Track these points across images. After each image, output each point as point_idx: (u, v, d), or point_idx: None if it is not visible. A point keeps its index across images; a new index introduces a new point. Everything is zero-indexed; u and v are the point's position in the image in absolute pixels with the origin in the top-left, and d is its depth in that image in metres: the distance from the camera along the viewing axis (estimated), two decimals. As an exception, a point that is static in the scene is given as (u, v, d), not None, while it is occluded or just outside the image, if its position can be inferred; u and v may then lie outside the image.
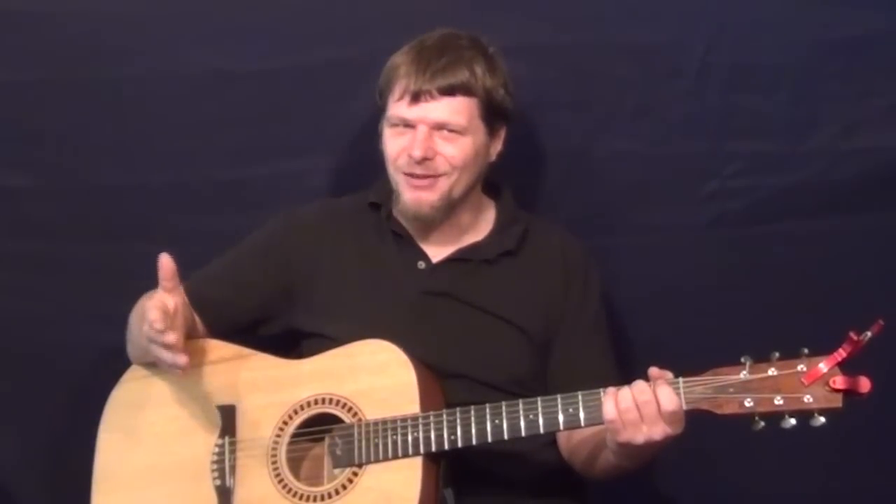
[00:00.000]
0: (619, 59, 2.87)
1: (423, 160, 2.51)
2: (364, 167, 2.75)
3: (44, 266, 3.00)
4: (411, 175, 2.54)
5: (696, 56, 2.84)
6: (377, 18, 2.84)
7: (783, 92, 2.83)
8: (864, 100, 2.83)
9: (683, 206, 2.89)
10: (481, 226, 2.67)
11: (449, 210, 2.58)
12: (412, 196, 2.55)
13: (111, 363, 2.67)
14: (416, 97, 2.51)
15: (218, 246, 2.74)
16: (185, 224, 2.96)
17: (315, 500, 2.41)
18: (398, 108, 2.54)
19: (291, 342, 2.65)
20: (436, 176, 2.54)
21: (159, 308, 2.37)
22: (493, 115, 2.58)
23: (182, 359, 2.39)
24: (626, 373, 2.55)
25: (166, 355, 2.39)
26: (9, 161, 2.98)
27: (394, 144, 2.56)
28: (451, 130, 2.53)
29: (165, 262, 2.44)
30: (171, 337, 2.36)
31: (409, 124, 2.53)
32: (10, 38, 2.93)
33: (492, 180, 2.68)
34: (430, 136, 2.52)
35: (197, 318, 2.63)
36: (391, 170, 2.58)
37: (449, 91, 2.52)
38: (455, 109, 2.53)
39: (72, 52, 2.93)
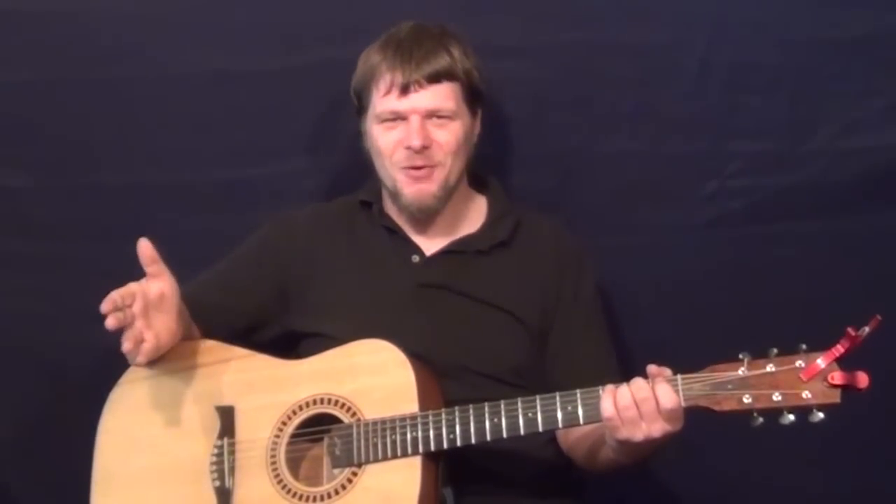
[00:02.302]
0: (619, 59, 2.87)
1: (423, 149, 2.53)
2: (363, 167, 2.75)
3: (44, 266, 3.00)
4: (409, 168, 2.56)
5: (696, 56, 2.84)
6: (376, 18, 2.83)
7: (783, 92, 2.84)
8: (864, 100, 2.83)
9: (683, 206, 2.90)
10: (473, 218, 2.68)
11: (447, 198, 2.60)
12: (413, 189, 2.57)
13: (111, 363, 2.64)
14: (405, 89, 2.54)
15: (218, 246, 2.75)
16: (185, 224, 2.96)
17: (315, 500, 2.40)
18: (387, 102, 2.56)
19: (289, 343, 2.65)
20: (432, 166, 2.56)
21: (125, 289, 2.37)
22: (473, 96, 2.61)
23: (126, 345, 2.38)
24: (626, 372, 2.55)
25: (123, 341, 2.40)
26: (9, 161, 2.98)
27: (386, 139, 2.57)
28: (441, 117, 2.56)
29: (144, 247, 2.42)
30: (111, 321, 2.33)
31: (400, 116, 2.55)
32: (10, 38, 2.94)
33: (478, 173, 2.69)
34: (424, 125, 2.54)
35: (193, 325, 2.62)
36: (386, 165, 2.59)
37: (435, 78, 2.54)
38: (443, 95, 2.55)
39: (72, 52, 2.94)
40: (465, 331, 2.56)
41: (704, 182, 2.88)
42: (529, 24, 2.86)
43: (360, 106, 2.64)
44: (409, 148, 2.54)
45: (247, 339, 2.64)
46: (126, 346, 2.39)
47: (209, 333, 2.63)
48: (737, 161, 2.87)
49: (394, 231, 2.65)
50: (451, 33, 2.61)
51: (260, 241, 2.72)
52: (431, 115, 2.55)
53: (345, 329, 2.52)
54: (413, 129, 2.54)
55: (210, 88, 2.94)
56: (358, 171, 2.79)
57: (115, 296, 2.34)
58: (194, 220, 2.97)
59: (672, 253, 2.90)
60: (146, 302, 2.39)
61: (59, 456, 2.99)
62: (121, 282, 2.56)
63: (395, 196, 2.60)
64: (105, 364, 2.68)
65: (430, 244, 2.63)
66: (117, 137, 2.97)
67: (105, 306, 2.32)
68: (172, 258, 2.51)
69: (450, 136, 2.56)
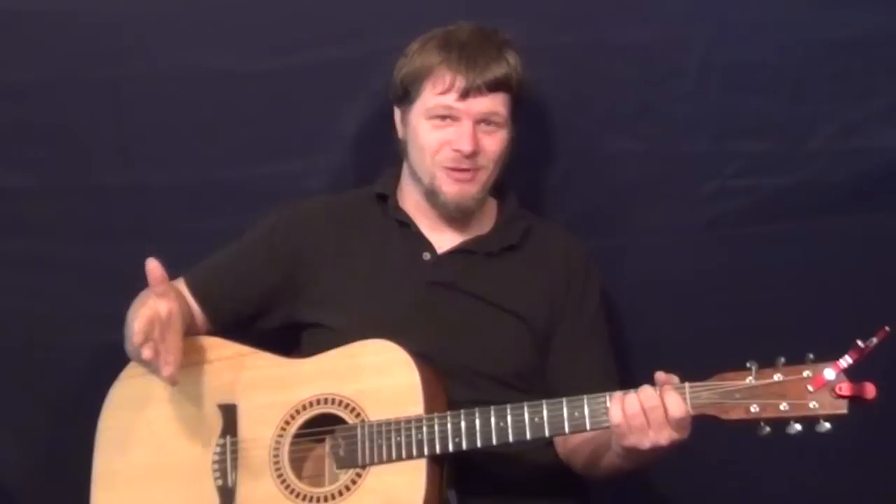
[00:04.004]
0: (619, 59, 2.87)
1: (473, 154, 2.54)
2: (364, 167, 2.76)
3: (44, 266, 2.99)
4: (454, 169, 2.56)
5: (696, 56, 2.84)
6: (377, 18, 2.84)
7: (783, 92, 2.84)
8: (864, 100, 2.83)
9: (683, 206, 2.90)
10: (485, 220, 2.68)
11: (484, 201, 2.63)
12: (455, 189, 2.57)
13: (111, 363, 2.65)
14: (465, 93, 2.53)
15: (218, 246, 2.74)
16: (185, 224, 2.95)
17: (318, 500, 2.40)
18: (443, 100, 2.55)
19: (292, 339, 2.66)
20: (476, 169, 2.56)
21: (146, 318, 2.38)
22: (517, 107, 2.62)
23: (167, 370, 2.40)
24: (627, 372, 2.58)
25: (150, 368, 2.43)
26: (9, 161, 2.97)
27: (433, 137, 2.56)
28: (490, 123, 2.56)
29: (154, 268, 2.43)
30: (147, 352, 2.36)
31: (452, 116, 2.54)
32: (10, 38, 2.92)
33: (498, 182, 2.69)
34: (476, 131, 2.54)
35: (198, 310, 2.65)
36: (427, 162, 2.58)
37: (495, 87, 2.55)
38: (498, 104, 2.56)
39: (72, 52, 2.92)
40: (472, 331, 2.56)
41: (704, 182, 2.88)
42: (530, 25, 2.84)
43: (404, 96, 2.61)
44: (457, 151, 2.54)
45: (251, 325, 2.65)
46: (165, 371, 2.40)
47: (215, 319, 2.65)
48: (737, 161, 2.87)
49: (406, 225, 2.64)
50: (506, 39, 2.62)
51: (271, 228, 2.70)
52: (482, 121, 2.55)
53: (350, 322, 2.52)
54: (465, 133, 2.53)
55: (210, 88, 2.92)
56: (359, 171, 2.80)
57: (143, 326, 2.36)
58: (195, 221, 2.95)
59: (672, 253, 2.90)
60: (161, 325, 2.40)
61: (60, 455, 2.99)
62: (120, 282, 2.58)
63: (432, 193, 2.59)
64: (105, 364, 2.69)
65: (442, 242, 2.63)
66: (117, 137, 2.95)
67: (137, 339, 2.35)
68: (173, 258, 2.51)
69: (496, 145, 2.57)
